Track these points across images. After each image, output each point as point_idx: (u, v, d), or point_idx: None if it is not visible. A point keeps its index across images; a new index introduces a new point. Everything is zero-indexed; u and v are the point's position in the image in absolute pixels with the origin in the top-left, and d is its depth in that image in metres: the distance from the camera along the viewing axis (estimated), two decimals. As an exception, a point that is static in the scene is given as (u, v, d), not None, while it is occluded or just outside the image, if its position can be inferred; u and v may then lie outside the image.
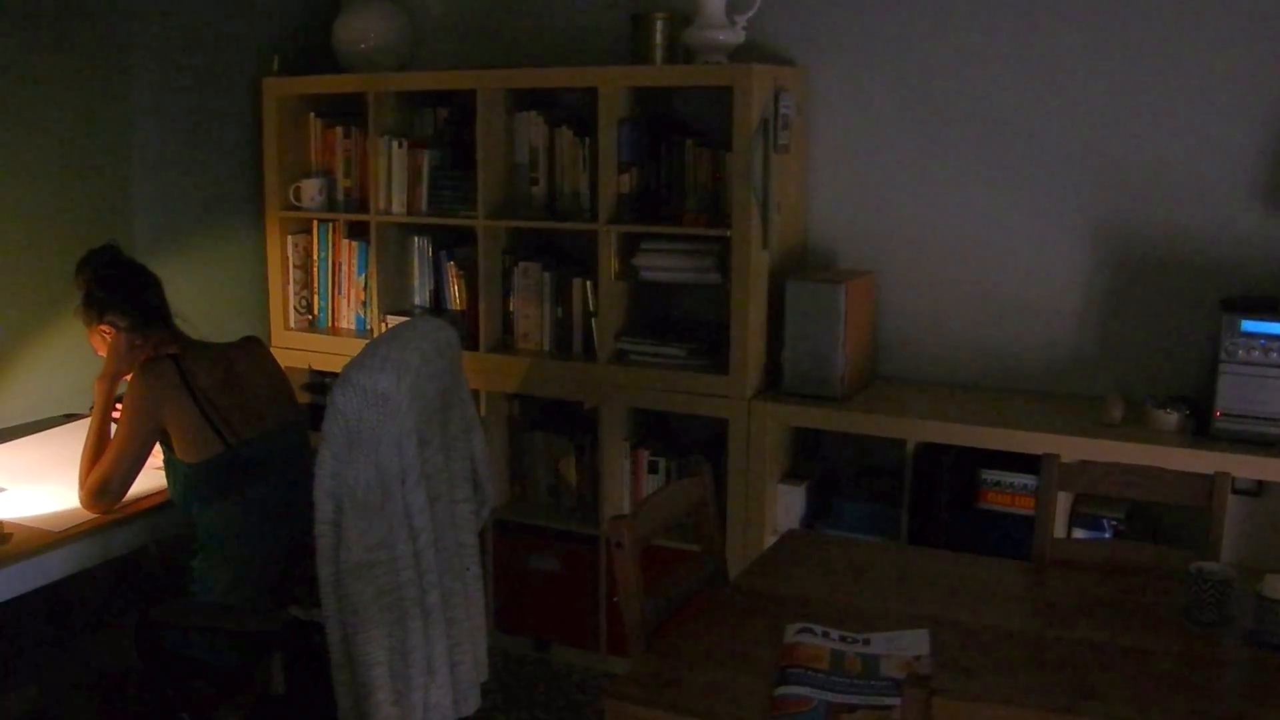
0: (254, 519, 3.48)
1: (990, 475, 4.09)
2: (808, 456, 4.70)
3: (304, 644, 3.45)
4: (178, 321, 3.66)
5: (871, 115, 4.56)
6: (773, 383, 4.42)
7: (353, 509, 2.95)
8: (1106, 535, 3.95)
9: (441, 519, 3.21)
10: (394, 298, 4.99)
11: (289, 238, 5.10)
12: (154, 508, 3.56)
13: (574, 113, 4.72)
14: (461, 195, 4.73)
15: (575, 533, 4.70)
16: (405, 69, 5.06)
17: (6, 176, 4.07)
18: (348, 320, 5.10)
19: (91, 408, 3.61)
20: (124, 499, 3.48)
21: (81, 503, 3.45)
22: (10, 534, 3.28)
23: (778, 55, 4.60)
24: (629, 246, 4.51)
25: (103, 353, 3.62)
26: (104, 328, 3.57)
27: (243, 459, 3.47)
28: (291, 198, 5.02)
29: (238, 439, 3.46)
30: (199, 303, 3.94)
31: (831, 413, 4.23)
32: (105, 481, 3.42)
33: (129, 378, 3.49)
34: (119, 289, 3.59)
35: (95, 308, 3.58)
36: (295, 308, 5.14)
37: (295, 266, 5.13)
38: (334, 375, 3.65)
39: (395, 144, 4.84)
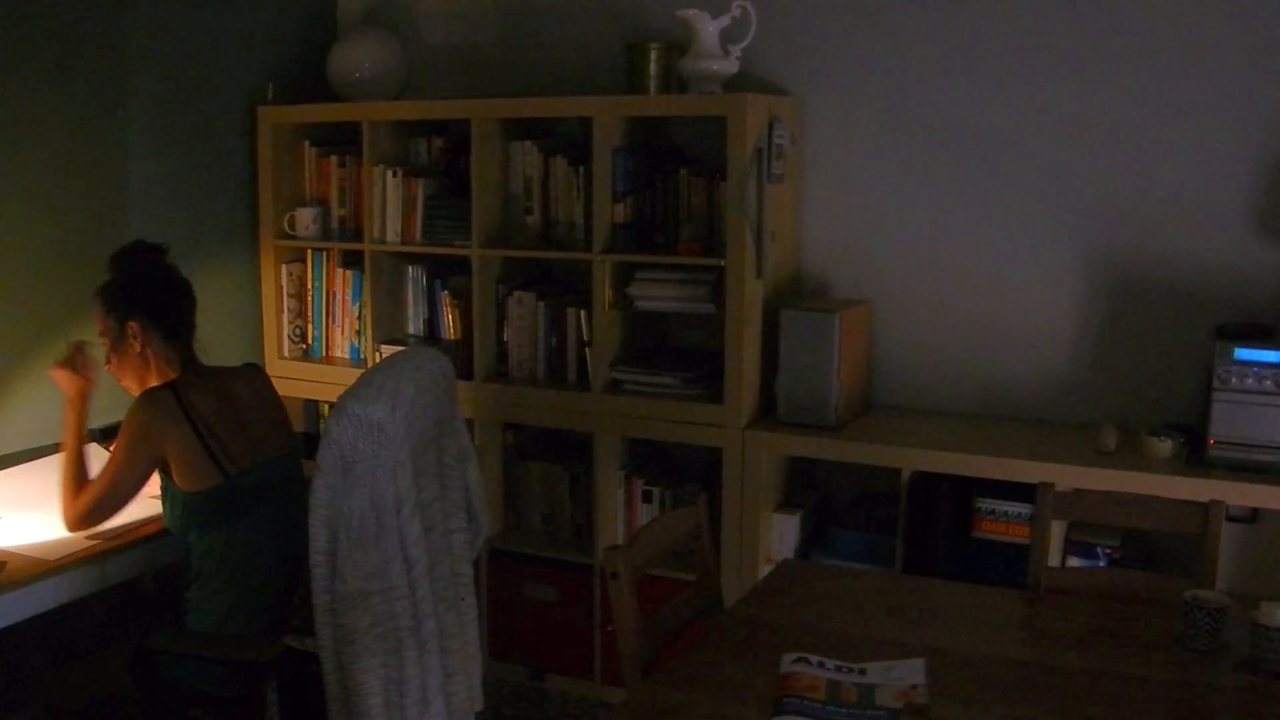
0: (251, 548, 3.48)
1: (985, 504, 4.09)
2: (803, 485, 4.70)
3: (300, 673, 3.45)
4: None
5: (865, 145, 4.57)
6: (767, 412, 4.42)
7: (347, 539, 2.94)
8: (1101, 563, 3.96)
9: (437, 549, 3.21)
10: (388, 327, 4.99)
11: (283, 266, 5.10)
12: (150, 535, 3.56)
13: (569, 142, 4.73)
14: (456, 224, 4.74)
15: (570, 562, 4.69)
16: (400, 98, 5.08)
17: (3, 207, 4.07)
18: (342, 349, 5.10)
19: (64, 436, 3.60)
20: (114, 524, 3.49)
21: (66, 523, 3.46)
22: (4, 562, 3.28)
23: (772, 85, 4.62)
24: (623, 276, 4.52)
25: (106, 341, 3.63)
26: (131, 324, 3.56)
27: (240, 489, 3.46)
28: (286, 226, 5.03)
29: (236, 469, 3.46)
30: (193, 331, 3.96)
31: (826, 442, 4.23)
32: (96, 505, 3.43)
33: (130, 407, 3.47)
34: (156, 296, 3.61)
35: (125, 302, 3.58)
36: (289, 336, 5.14)
37: (289, 295, 5.13)
38: (328, 404, 3.66)
39: (390, 173, 4.85)
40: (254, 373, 3.78)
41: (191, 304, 3.69)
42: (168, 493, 3.49)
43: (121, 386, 3.69)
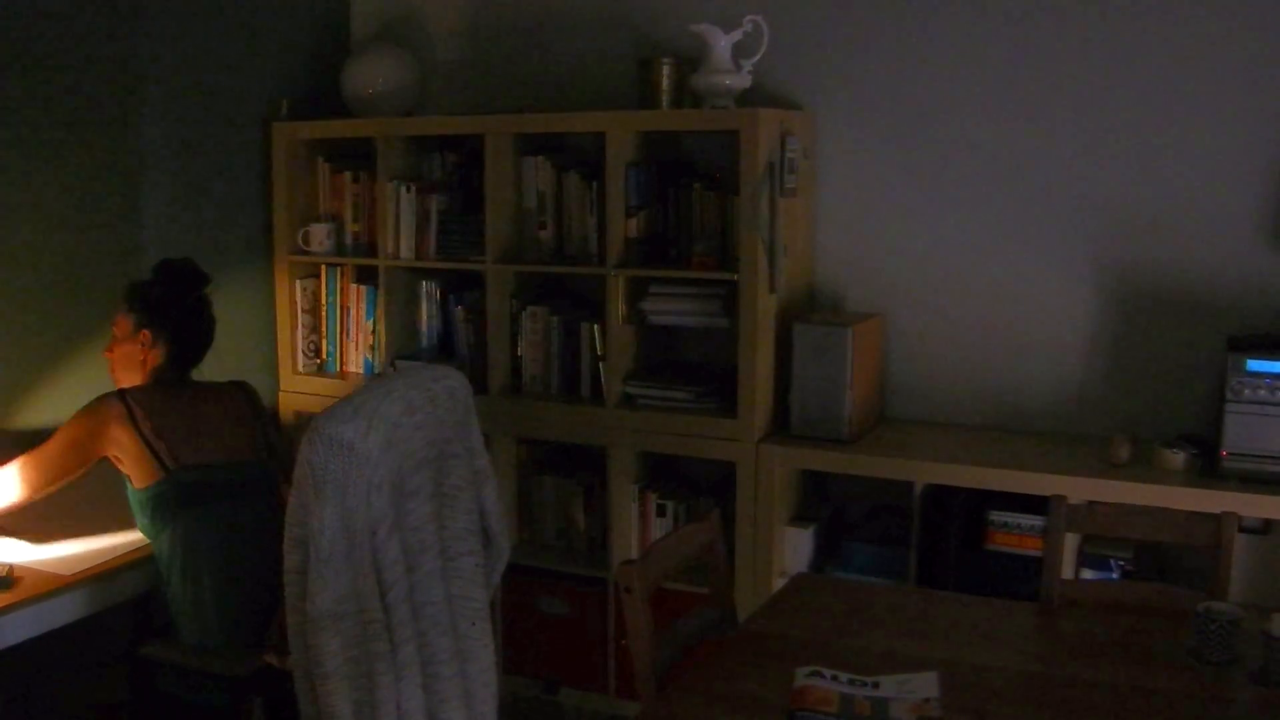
0: (205, 547, 3.53)
1: (998, 516, 4.09)
2: (816, 499, 4.70)
3: (281, 691, 3.46)
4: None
5: (878, 158, 4.58)
6: (780, 425, 4.43)
7: (316, 558, 2.91)
8: (1114, 575, 3.95)
9: (426, 573, 3.15)
10: (402, 342, 5.01)
11: (297, 282, 5.12)
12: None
13: (582, 157, 4.75)
14: (470, 239, 4.75)
15: (584, 576, 4.69)
16: (413, 114, 5.09)
17: (17, 222, 4.09)
18: (356, 364, 5.11)
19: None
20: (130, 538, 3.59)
21: None
22: (20, 578, 3.29)
23: (784, 99, 4.63)
24: (637, 290, 4.53)
25: (117, 332, 3.75)
26: (145, 332, 3.69)
27: (184, 484, 3.53)
28: (300, 242, 5.04)
29: (177, 465, 3.52)
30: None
31: (839, 455, 4.23)
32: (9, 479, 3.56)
33: (81, 409, 3.60)
34: (181, 322, 3.74)
35: (150, 311, 3.71)
36: (304, 352, 5.15)
37: (304, 311, 5.14)
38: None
39: (404, 188, 4.86)
40: (231, 389, 3.86)
41: (208, 342, 3.84)
42: (129, 495, 3.58)
43: (111, 378, 3.81)
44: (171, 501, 3.51)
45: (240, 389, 3.86)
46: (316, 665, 2.92)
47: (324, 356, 5.18)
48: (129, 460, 3.53)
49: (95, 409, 3.56)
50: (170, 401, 3.63)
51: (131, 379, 3.73)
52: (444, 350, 5.00)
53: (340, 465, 2.89)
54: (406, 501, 3.10)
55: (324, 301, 5.14)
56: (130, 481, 3.56)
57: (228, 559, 3.54)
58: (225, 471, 3.62)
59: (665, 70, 4.52)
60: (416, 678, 3.09)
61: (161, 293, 3.73)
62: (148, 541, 3.57)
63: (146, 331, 3.69)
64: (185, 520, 3.51)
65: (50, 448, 3.56)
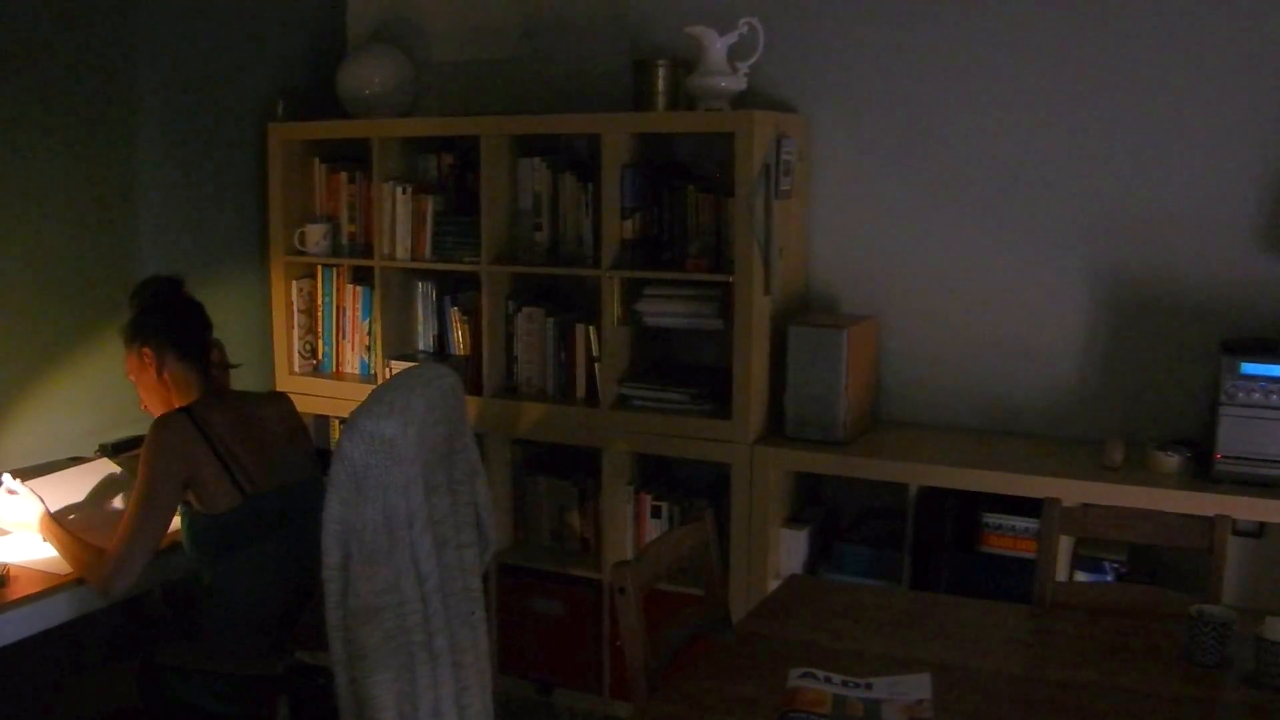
0: (269, 571, 3.48)
1: (992, 519, 4.09)
2: (810, 501, 4.70)
3: (310, 689, 3.45)
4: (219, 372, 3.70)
5: (873, 161, 4.59)
6: (775, 427, 4.43)
7: (360, 554, 2.95)
8: (1108, 578, 3.96)
9: (449, 563, 3.21)
10: (398, 343, 5.01)
11: (293, 283, 5.12)
12: (161, 551, 3.55)
13: (577, 159, 4.75)
14: (465, 240, 4.75)
15: (579, 577, 4.70)
16: (409, 115, 5.09)
17: (14, 224, 4.09)
18: (352, 365, 5.12)
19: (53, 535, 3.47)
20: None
21: (100, 587, 3.30)
22: (15, 576, 3.29)
23: (779, 102, 4.64)
24: (632, 292, 4.53)
25: (133, 377, 3.63)
26: (145, 350, 3.56)
27: (260, 511, 3.45)
28: (296, 243, 5.04)
29: (255, 490, 3.45)
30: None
31: (834, 457, 4.24)
32: (128, 549, 3.29)
33: (146, 437, 3.41)
34: (167, 318, 3.61)
35: (137, 330, 3.59)
36: (299, 352, 5.15)
37: (299, 311, 5.14)
38: (339, 419, 3.65)
39: (399, 189, 4.86)
40: (279, 398, 3.79)
41: (201, 323, 3.70)
42: (187, 517, 3.45)
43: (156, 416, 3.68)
44: (248, 528, 3.44)
45: (284, 399, 3.80)
46: (360, 659, 2.95)
47: (320, 357, 5.18)
48: (201, 483, 3.38)
49: (166, 429, 3.39)
50: (228, 415, 3.52)
51: (168, 403, 3.58)
52: (439, 351, 5.00)
53: (382, 461, 2.93)
54: (431, 495, 3.14)
55: (320, 302, 5.14)
56: (195, 504, 3.41)
57: (284, 580, 3.52)
58: (297, 492, 3.57)
59: (661, 72, 4.52)
60: (449, 666, 3.13)
61: (136, 311, 3.65)
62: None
63: (146, 349, 3.56)
64: (261, 546, 3.45)
65: (143, 490, 3.35)
